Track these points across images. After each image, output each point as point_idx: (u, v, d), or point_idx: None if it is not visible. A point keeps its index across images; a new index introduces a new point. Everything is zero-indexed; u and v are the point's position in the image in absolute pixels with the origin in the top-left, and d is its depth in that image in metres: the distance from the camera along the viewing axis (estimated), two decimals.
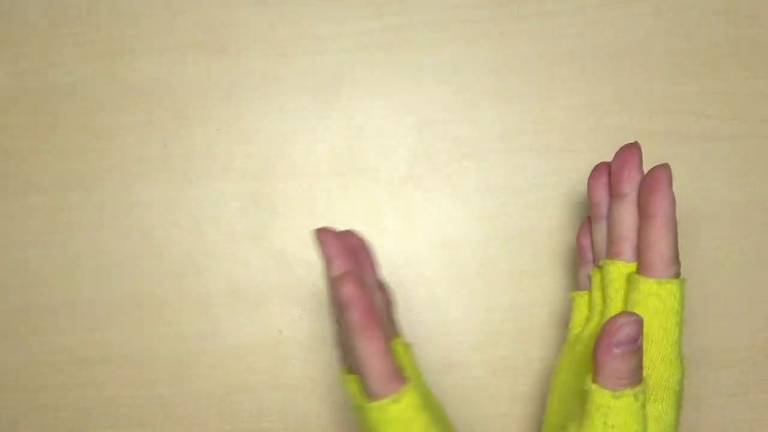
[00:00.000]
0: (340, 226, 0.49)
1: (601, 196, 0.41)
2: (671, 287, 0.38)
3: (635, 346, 0.34)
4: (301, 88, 0.50)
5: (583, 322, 0.43)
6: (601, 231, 0.42)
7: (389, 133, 0.50)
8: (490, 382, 0.48)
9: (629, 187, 0.39)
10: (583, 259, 0.43)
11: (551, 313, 0.48)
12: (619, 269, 0.39)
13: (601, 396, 0.35)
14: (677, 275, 0.38)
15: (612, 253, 0.40)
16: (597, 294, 0.41)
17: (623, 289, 0.39)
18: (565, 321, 0.48)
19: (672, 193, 0.38)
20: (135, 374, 0.49)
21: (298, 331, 0.49)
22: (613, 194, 0.40)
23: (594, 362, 0.35)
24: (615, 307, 0.40)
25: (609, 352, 0.34)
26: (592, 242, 0.43)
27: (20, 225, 0.50)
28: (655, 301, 0.38)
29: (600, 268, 0.41)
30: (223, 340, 0.49)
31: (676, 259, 0.38)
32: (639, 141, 0.49)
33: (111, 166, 0.50)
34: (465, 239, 0.49)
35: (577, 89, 0.50)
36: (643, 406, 0.35)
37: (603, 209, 0.41)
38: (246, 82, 0.50)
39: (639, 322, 0.34)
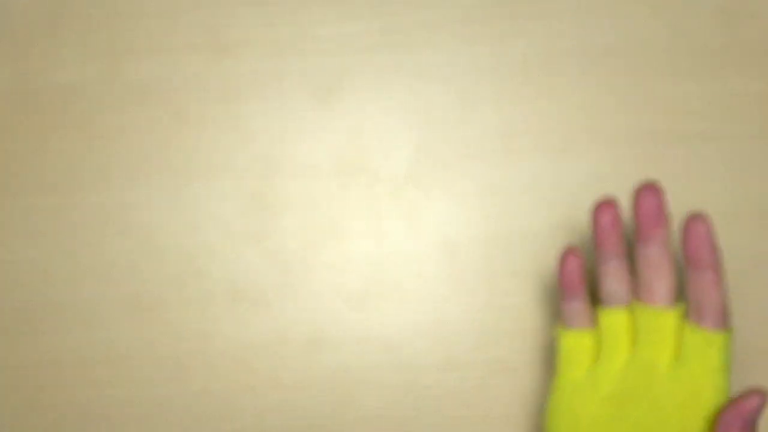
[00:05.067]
0: (340, 226, 0.49)
1: (614, 237, 0.40)
2: (725, 340, 0.38)
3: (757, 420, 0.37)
4: (301, 88, 0.50)
5: (585, 363, 0.41)
6: (615, 272, 0.40)
7: (389, 133, 0.50)
8: (490, 382, 0.48)
9: (664, 232, 0.39)
10: (573, 293, 0.41)
11: (551, 313, 0.48)
12: (668, 318, 0.39)
13: None
14: (729, 326, 0.38)
15: (649, 298, 0.39)
16: (612, 334, 0.40)
17: (671, 339, 0.39)
18: None
19: (716, 242, 0.38)
20: (135, 374, 0.49)
21: (298, 331, 0.49)
22: (644, 238, 0.39)
23: None
24: (659, 354, 0.39)
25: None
26: (587, 278, 0.42)
27: (20, 225, 0.50)
28: (710, 357, 0.38)
29: (613, 309, 0.40)
30: (223, 340, 0.49)
31: (728, 310, 0.38)
32: (639, 141, 0.49)
33: (111, 166, 0.50)
34: (465, 239, 0.49)
35: (577, 89, 0.50)
36: None
37: (616, 250, 0.40)
38: (246, 82, 0.50)
39: (767, 399, 0.36)
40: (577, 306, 0.41)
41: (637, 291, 0.40)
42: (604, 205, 0.40)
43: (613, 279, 0.41)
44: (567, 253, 0.41)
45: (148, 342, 0.49)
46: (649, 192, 0.38)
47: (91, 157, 0.50)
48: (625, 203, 0.49)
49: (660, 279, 0.39)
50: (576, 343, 0.42)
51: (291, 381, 0.49)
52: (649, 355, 0.39)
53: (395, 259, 0.49)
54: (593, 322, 0.42)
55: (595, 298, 0.48)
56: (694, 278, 0.38)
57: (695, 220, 0.38)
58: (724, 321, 0.38)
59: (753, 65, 0.49)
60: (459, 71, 0.50)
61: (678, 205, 0.49)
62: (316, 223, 0.50)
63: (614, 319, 0.41)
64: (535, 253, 0.49)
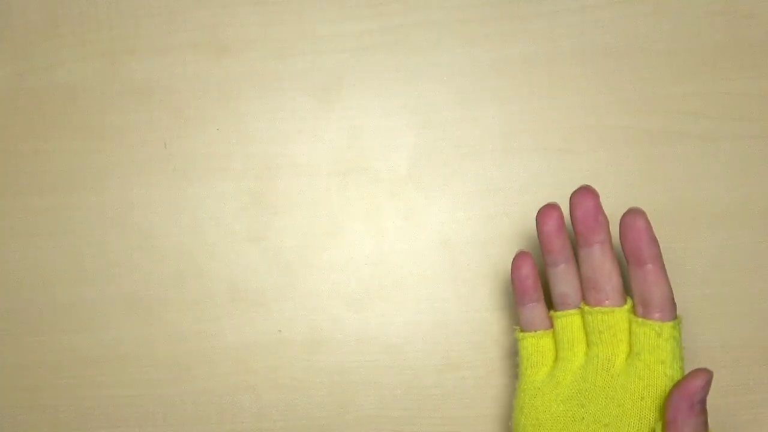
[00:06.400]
0: (340, 226, 0.49)
1: (559, 243, 0.41)
2: (673, 329, 0.39)
3: (705, 399, 0.37)
4: (301, 88, 0.50)
5: (546, 364, 0.43)
6: (563, 275, 0.41)
7: (389, 133, 0.50)
8: (490, 382, 0.48)
9: (602, 235, 0.40)
10: (528, 298, 0.42)
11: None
12: (617, 316, 0.40)
13: None
14: (675, 315, 0.39)
15: (596, 299, 0.41)
16: (567, 336, 0.42)
17: (623, 335, 0.40)
18: None
19: (655, 235, 0.39)
20: (135, 374, 0.49)
21: (298, 331, 0.49)
22: (584, 242, 0.40)
23: (672, 424, 0.36)
24: (614, 351, 0.40)
25: (692, 412, 0.36)
26: (541, 282, 0.43)
27: (21, 225, 0.50)
28: (661, 348, 0.39)
29: (566, 312, 0.42)
30: (223, 340, 0.49)
31: (673, 300, 0.39)
32: (639, 141, 0.49)
33: (111, 166, 0.50)
34: (465, 239, 0.49)
35: (577, 89, 0.50)
36: None
37: (562, 255, 0.41)
38: (246, 82, 0.50)
39: (711, 377, 0.36)
40: (534, 310, 0.43)
41: (584, 292, 0.41)
42: (547, 211, 0.41)
43: (563, 282, 0.42)
44: (518, 259, 0.42)
45: (148, 342, 0.49)
46: (583, 196, 0.39)
47: (91, 157, 0.50)
48: (624, 203, 0.49)
49: (605, 280, 0.40)
50: (536, 345, 0.43)
51: (291, 381, 0.49)
52: (604, 354, 0.40)
53: (395, 259, 0.49)
54: (551, 323, 0.43)
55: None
56: (637, 273, 0.39)
57: (631, 215, 0.39)
58: (670, 311, 0.39)
59: (753, 65, 0.49)
60: (459, 71, 0.50)
61: (677, 206, 0.49)
62: (316, 223, 0.49)
63: (567, 322, 0.42)
64: (534, 253, 0.49)
